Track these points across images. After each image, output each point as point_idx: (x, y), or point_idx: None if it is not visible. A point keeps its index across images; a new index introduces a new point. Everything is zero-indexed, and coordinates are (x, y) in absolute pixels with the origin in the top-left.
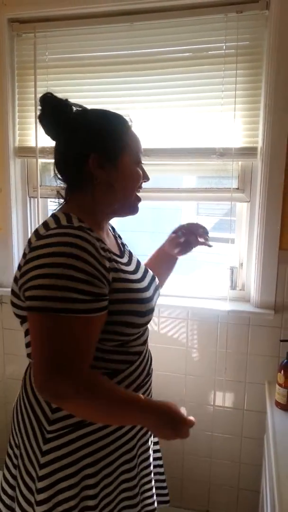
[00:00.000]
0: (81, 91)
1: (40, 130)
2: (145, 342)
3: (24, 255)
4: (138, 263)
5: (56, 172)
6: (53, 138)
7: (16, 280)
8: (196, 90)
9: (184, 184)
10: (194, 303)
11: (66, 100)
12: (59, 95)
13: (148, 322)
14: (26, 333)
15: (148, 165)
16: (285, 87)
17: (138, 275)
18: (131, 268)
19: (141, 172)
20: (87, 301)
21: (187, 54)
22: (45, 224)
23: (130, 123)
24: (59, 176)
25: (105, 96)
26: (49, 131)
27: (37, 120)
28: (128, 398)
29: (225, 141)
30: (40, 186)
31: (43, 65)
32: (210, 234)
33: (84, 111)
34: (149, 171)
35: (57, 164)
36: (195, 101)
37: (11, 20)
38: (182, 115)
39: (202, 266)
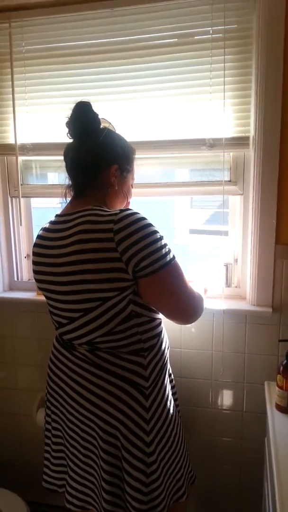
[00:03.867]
0: (61, 83)
1: (19, 126)
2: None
3: (82, 241)
4: None
5: (71, 170)
6: (77, 140)
7: (92, 271)
8: (183, 78)
9: (176, 178)
10: None
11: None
12: (38, 88)
13: None
14: (103, 313)
15: (136, 159)
16: (276, 72)
17: None
18: None
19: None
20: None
21: (172, 40)
22: (99, 215)
23: (113, 129)
24: (71, 174)
25: (86, 87)
26: (76, 135)
27: (12, 118)
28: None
29: (215, 131)
30: (21, 185)
31: (20, 56)
32: (204, 227)
33: (109, 130)
34: (137, 165)
35: (77, 164)
36: (182, 89)
37: None
38: (169, 104)
39: (197, 261)
